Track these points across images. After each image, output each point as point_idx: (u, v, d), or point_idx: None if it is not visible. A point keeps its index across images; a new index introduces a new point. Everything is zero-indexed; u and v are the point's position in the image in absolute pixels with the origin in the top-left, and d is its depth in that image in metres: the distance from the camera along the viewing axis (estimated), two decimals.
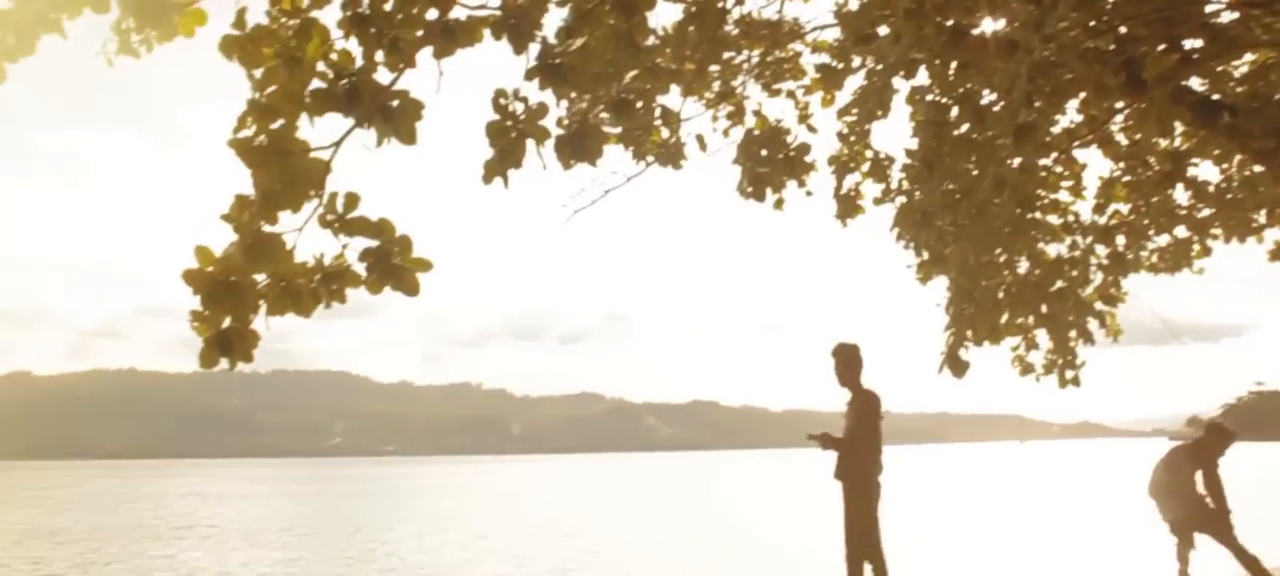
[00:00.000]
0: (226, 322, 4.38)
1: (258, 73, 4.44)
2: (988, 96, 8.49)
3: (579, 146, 5.27)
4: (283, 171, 4.25)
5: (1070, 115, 9.85)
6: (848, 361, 10.76)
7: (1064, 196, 10.81)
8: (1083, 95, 8.72)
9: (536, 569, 23.51)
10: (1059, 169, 10.63)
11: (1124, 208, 10.98)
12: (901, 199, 10.46)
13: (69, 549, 31.72)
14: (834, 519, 10.73)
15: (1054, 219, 10.64)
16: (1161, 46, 6.67)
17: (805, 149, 9.46)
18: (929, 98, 9.11)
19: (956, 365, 9.84)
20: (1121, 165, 10.75)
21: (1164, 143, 10.18)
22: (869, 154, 10.76)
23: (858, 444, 10.53)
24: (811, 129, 10.30)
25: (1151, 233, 11.12)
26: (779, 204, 9.69)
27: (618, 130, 8.64)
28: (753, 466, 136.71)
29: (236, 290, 4.30)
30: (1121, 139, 10.42)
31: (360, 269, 4.46)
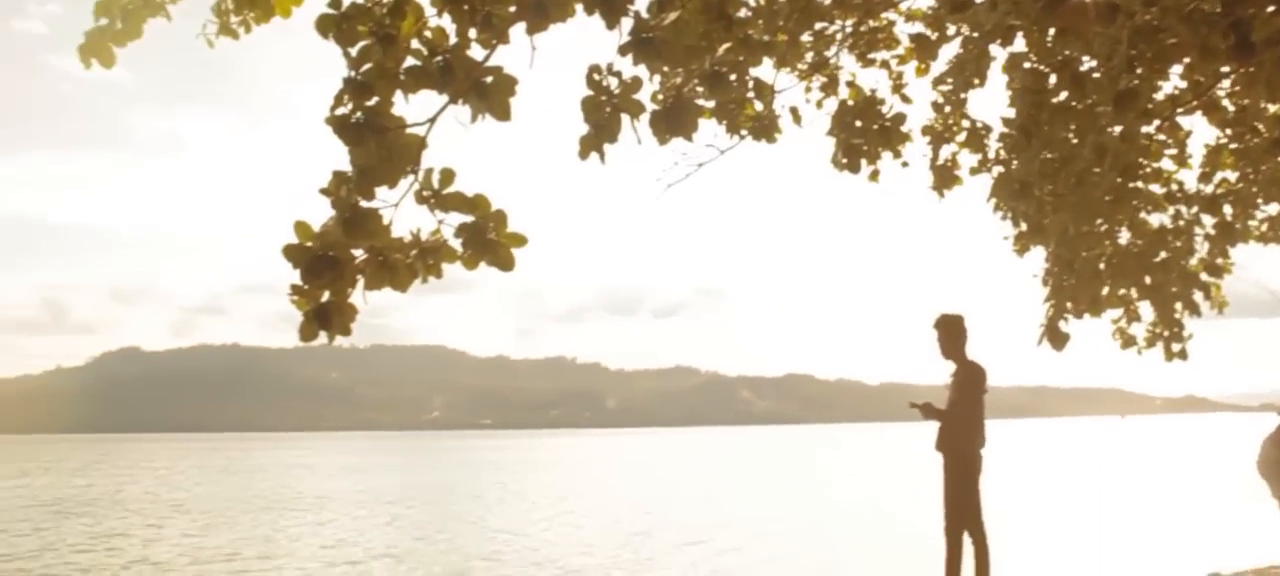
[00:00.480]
0: (325, 297, 4.46)
1: (353, 51, 4.49)
2: (1087, 63, 8.31)
3: (673, 121, 5.26)
4: (379, 148, 4.31)
5: (1174, 81, 9.59)
6: (951, 333, 10.67)
7: (1167, 165, 10.55)
8: (1187, 60, 8.49)
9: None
10: (1162, 136, 10.37)
11: (1231, 176, 10.68)
12: (999, 169, 10.30)
13: (185, 521, 32.59)
14: (936, 491, 10.68)
15: (1157, 188, 10.39)
16: (1271, 8, 6.47)
17: (901, 119, 9.37)
18: (1026, 65, 8.95)
19: (1056, 337, 9.69)
20: (1228, 132, 10.46)
21: (1273, 108, 9.89)
22: (965, 124, 10.60)
23: (960, 416, 10.45)
24: (906, 99, 10.16)
25: (1260, 201, 10.81)
26: (874, 175, 9.61)
27: (711, 104, 8.62)
28: (850, 440, 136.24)
29: (335, 264, 4.37)
30: (1228, 105, 10.13)
31: (456, 244, 4.50)
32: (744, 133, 8.95)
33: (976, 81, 9.36)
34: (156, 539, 26.86)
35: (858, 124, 9.33)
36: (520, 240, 4.50)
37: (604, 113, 4.91)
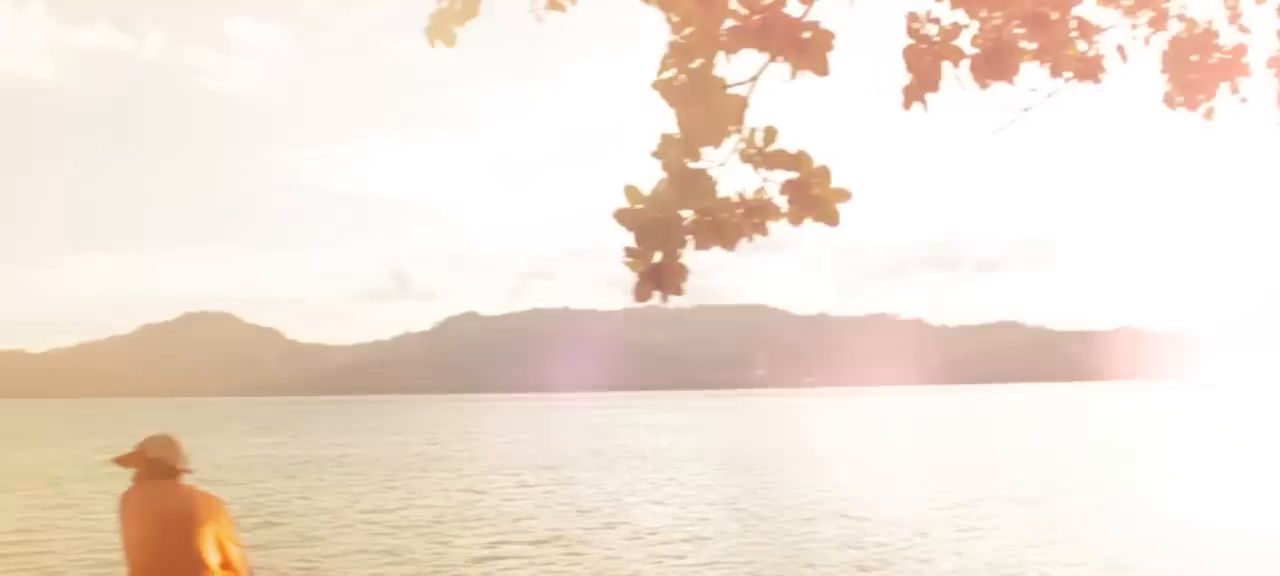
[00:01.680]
0: (657, 258, 4.62)
1: (675, 16, 4.62)
2: None
3: (994, 65, 5.18)
4: (704, 109, 4.42)
5: None
6: None
7: None
8: None
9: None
10: None
11: None
12: None
13: (544, 475, 34.25)
14: None
15: None
16: None
17: (1242, 50, 8.85)
18: None
19: None
20: None
21: None
22: None
23: None
24: (1243, 30, 9.58)
25: None
26: (1209, 114, 9.12)
27: (1033, 46, 8.38)
28: (1204, 397, 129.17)
29: (666, 226, 4.52)
30: None
31: (780, 201, 4.57)
32: (1068, 75, 8.67)
33: None
34: (512, 493, 28.36)
35: (1193, 59, 8.88)
36: (844, 195, 4.52)
37: (925, 60, 4.89)
